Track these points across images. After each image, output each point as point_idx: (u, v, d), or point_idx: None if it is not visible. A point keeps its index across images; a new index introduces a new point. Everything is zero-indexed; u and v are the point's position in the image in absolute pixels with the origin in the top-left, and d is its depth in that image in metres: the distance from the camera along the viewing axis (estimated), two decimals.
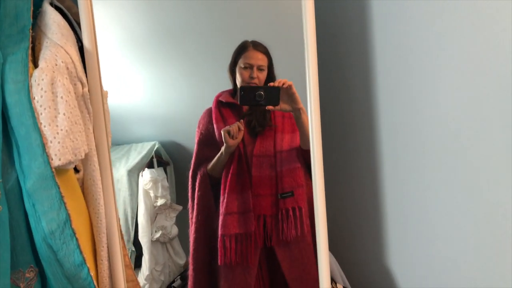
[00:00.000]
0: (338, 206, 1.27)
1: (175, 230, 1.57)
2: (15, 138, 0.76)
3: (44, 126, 0.76)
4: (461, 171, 0.84)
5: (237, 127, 1.20)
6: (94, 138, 0.90)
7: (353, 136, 1.36)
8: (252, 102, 1.14)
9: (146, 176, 1.38)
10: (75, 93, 0.83)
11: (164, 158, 1.47)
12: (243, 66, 1.22)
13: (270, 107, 1.15)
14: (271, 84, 1.15)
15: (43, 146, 0.75)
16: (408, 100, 1.03)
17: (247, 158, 1.23)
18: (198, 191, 1.26)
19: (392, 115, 1.12)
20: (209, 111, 1.28)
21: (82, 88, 0.85)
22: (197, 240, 1.26)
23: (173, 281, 1.41)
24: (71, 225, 0.78)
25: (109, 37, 1.24)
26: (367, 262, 1.35)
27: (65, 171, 0.82)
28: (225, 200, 1.22)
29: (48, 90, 0.77)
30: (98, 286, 0.91)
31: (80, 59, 0.88)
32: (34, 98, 0.76)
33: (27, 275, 0.78)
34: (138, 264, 1.39)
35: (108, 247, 0.94)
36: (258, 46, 1.24)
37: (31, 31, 0.82)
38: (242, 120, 1.21)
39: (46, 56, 0.80)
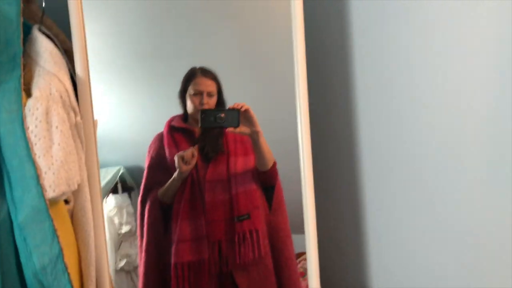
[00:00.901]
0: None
1: None
2: (6, 169, 0.73)
3: (39, 157, 0.73)
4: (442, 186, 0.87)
5: (191, 152, 1.21)
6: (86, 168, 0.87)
7: (333, 144, 1.39)
8: (213, 124, 1.16)
9: (110, 202, 1.34)
10: (68, 122, 0.81)
11: (129, 183, 1.44)
12: (193, 93, 1.24)
13: (230, 129, 1.17)
14: (230, 106, 1.17)
15: (37, 177, 0.72)
16: (386, 102, 1.07)
17: (199, 184, 1.23)
18: (148, 217, 1.24)
19: (372, 127, 1.16)
20: (160, 136, 1.28)
21: (75, 117, 0.83)
22: (148, 270, 1.23)
23: None
24: (63, 259, 0.75)
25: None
26: (347, 283, 1.36)
27: (56, 202, 0.79)
28: (177, 227, 1.21)
29: (43, 120, 0.75)
30: None
31: (72, 88, 0.87)
32: (28, 128, 0.74)
33: None
34: None
35: (96, 281, 0.90)
36: (206, 73, 1.27)
37: (22, 59, 0.80)
38: (196, 146, 1.22)
39: (40, 85, 0.78)
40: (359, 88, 1.20)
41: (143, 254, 1.24)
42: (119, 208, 1.36)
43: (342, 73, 1.26)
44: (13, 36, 0.80)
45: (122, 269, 1.35)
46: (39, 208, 0.72)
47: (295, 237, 1.29)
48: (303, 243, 1.35)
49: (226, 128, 1.17)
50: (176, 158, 1.20)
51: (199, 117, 1.16)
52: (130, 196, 1.49)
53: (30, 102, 0.76)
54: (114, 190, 1.35)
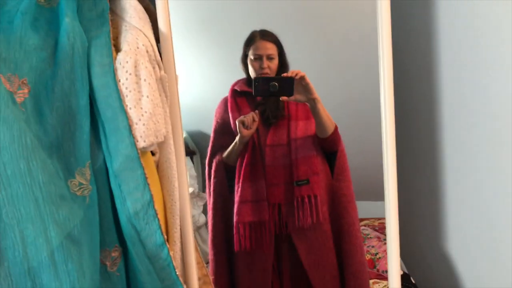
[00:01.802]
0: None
1: (202, 219, 1.60)
2: (101, 120, 0.77)
3: (130, 108, 0.77)
4: None
5: (251, 117, 1.21)
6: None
7: (416, 124, 1.34)
8: (266, 93, 1.15)
9: None
10: (154, 76, 0.84)
11: (191, 148, 1.48)
12: (253, 58, 1.23)
13: (284, 98, 1.15)
14: (285, 74, 1.14)
15: (129, 128, 0.76)
16: (472, 94, 1.01)
17: (260, 148, 1.23)
18: (214, 178, 1.29)
19: (456, 106, 1.09)
20: (225, 101, 1.29)
21: (160, 71, 0.86)
22: (214, 226, 1.30)
23: None
24: (153, 206, 0.79)
25: None
26: (425, 247, 1.34)
27: (145, 153, 0.83)
28: (239, 188, 1.24)
29: (132, 72, 0.78)
30: None
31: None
32: (120, 81, 0.77)
33: (113, 254, 0.80)
34: None
35: (180, 229, 0.95)
36: (266, 36, 1.24)
37: (109, 14, 0.83)
38: (257, 111, 1.21)
39: (128, 39, 0.81)
40: (444, 84, 1.14)
41: (211, 211, 1.30)
42: None
43: (427, 69, 1.20)
44: None
45: None
46: (132, 157, 0.76)
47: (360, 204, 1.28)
48: (363, 210, 1.35)
49: (280, 96, 1.14)
50: (237, 123, 1.22)
51: (252, 85, 1.15)
52: (192, 160, 1.54)
53: (120, 56, 0.79)
54: None
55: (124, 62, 0.78)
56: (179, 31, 1.27)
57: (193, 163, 1.56)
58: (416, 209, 1.40)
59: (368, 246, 1.49)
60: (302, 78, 1.14)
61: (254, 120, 1.22)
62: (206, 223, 1.59)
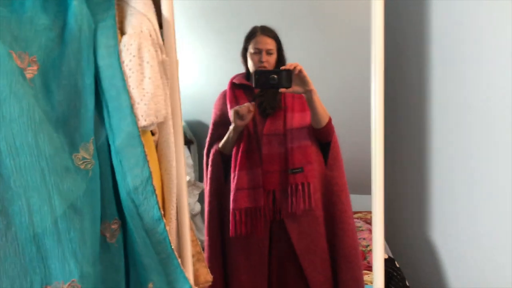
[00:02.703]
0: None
1: (198, 207, 1.64)
2: (105, 99, 0.82)
3: (133, 89, 0.81)
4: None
5: (246, 108, 1.25)
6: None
7: (405, 120, 1.38)
8: (266, 85, 1.19)
9: None
10: (156, 59, 0.88)
11: (189, 137, 1.51)
12: (253, 51, 1.27)
13: (283, 90, 1.19)
14: (283, 67, 1.19)
15: (131, 107, 0.81)
16: (461, 91, 1.05)
17: (257, 137, 1.28)
18: (211, 166, 1.33)
19: (444, 89, 1.14)
20: (224, 93, 1.34)
21: (162, 55, 0.90)
22: (210, 213, 1.35)
23: None
24: (152, 182, 0.84)
25: None
26: (410, 234, 1.39)
27: (146, 132, 0.88)
28: (235, 176, 1.28)
29: (136, 55, 0.82)
30: None
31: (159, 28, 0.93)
32: (124, 62, 0.82)
33: (112, 226, 0.85)
34: None
35: (177, 207, 1.00)
36: (266, 31, 1.29)
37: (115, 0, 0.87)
38: (253, 103, 1.26)
39: (132, 23, 0.85)
40: (435, 76, 1.18)
41: (207, 199, 1.35)
42: None
43: (419, 69, 1.24)
44: None
45: None
46: (133, 134, 0.81)
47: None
48: (356, 203, 1.40)
49: (279, 88, 1.19)
50: (232, 112, 1.26)
51: (253, 78, 1.20)
52: (189, 149, 1.58)
53: (125, 39, 0.83)
54: None
55: (128, 45, 0.82)
56: (182, 21, 1.31)
57: (190, 152, 1.59)
58: (403, 199, 1.45)
59: (359, 239, 1.53)
60: (300, 71, 1.19)
61: (249, 111, 1.26)
62: (201, 212, 1.63)
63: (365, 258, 1.47)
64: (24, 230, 0.71)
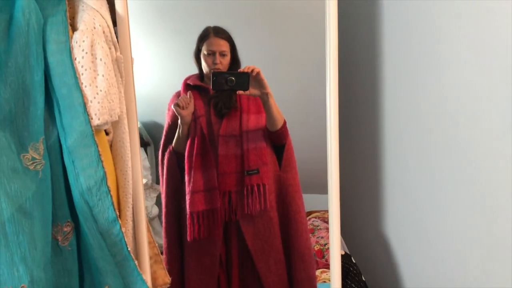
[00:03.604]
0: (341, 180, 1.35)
1: (155, 210, 1.61)
2: (55, 97, 0.78)
3: (85, 86, 0.79)
4: (461, 142, 0.91)
5: (185, 98, 1.27)
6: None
7: (359, 120, 1.42)
8: (223, 86, 1.21)
9: None
10: (110, 56, 0.86)
11: (145, 139, 1.49)
12: (206, 53, 1.28)
13: (240, 92, 1.21)
14: (241, 70, 1.21)
15: (84, 105, 0.78)
16: (411, 92, 1.10)
17: (212, 137, 1.29)
18: (166, 167, 1.32)
19: (396, 89, 1.18)
20: (178, 94, 1.33)
21: (116, 52, 0.88)
22: (167, 214, 1.34)
23: None
24: (106, 183, 0.82)
25: None
26: (365, 229, 1.43)
27: (99, 131, 0.85)
28: (191, 179, 1.28)
29: (88, 51, 0.80)
30: None
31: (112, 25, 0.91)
32: (76, 59, 0.79)
33: (65, 229, 0.82)
34: None
35: (133, 208, 0.97)
36: (219, 33, 1.30)
37: None
38: (190, 92, 1.27)
39: (84, 19, 0.82)
40: (387, 78, 1.22)
41: (164, 200, 1.34)
42: None
43: (371, 68, 1.27)
44: None
45: None
46: (86, 133, 0.78)
47: (307, 196, 1.36)
48: (314, 202, 1.42)
49: (237, 91, 1.21)
50: (173, 107, 1.26)
51: (210, 80, 1.21)
52: (146, 151, 1.55)
53: (77, 35, 0.80)
54: None
55: (80, 41, 0.79)
56: (135, 18, 1.28)
57: (147, 154, 1.56)
58: (358, 197, 1.49)
59: (317, 237, 1.55)
60: (258, 73, 1.21)
61: (189, 99, 1.27)
62: (159, 215, 1.60)
63: (323, 256, 1.50)
64: None
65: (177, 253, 1.33)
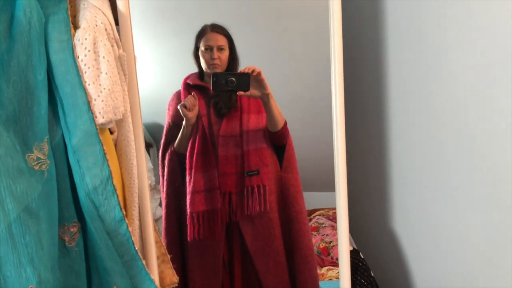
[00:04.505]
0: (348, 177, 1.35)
1: (159, 211, 1.60)
2: (59, 96, 0.78)
3: (89, 85, 0.78)
4: (471, 136, 0.90)
5: (191, 98, 1.25)
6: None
7: (365, 117, 1.41)
8: (224, 87, 1.20)
9: None
10: (113, 53, 0.85)
11: (147, 140, 1.48)
12: (203, 49, 1.27)
13: (240, 93, 1.20)
14: (241, 70, 1.20)
15: (88, 103, 0.77)
16: (417, 91, 1.09)
17: (213, 138, 1.28)
18: (167, 167, 1.32)
19: (402, 86, 1.17)
20: (178, 94, 1.32)
21: (118, 50, 0.87)
22: (167, 215, 1.33)
23: None
24: (112, 182, 0.81)
25: None
26: (373, 225, 1.42)
27: (104, 130, 0.84)
28: (192, 179, 1.27)
29: (91, 49, 0.79)
30: None
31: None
32: (78, 57, 0.78)
33: (71, 229, 0.81)
34: None
35: (139, 207, 0.97)
36: (216, 28, 1.29)
37: None
38: (194, 93, 1.26)
39: (86, 17, 0.81)
40: (392, 74, 1.21)
41: (164, 201, 1.33)
42: None
43: (376, 66, 1.26)
44: None
45: None
46: (91, 132, 0.77)
47: (311, 194, 1.35)
48: (318, 200, 1.41)
49: (237, 91, 1.20)
50: (179, 108, 1.25)
51: (210, 80, 1.20)
52: (148, 153, 1.54)
53: (79, 33, 0.79)
54: None
55: (82, 39, 0.79)
56: (136, 19, 1.27)
57: (149, 155, 1.56)
58: (365, 193, 1.48)
59: (322, 235, 1.54)
60: (258, 74, 1.19)
61: (194, 100, 1.25)
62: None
63: (328, 254, 1.49)
64: None
65: (177, 253, 1.32)
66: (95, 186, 0.79)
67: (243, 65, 1.25)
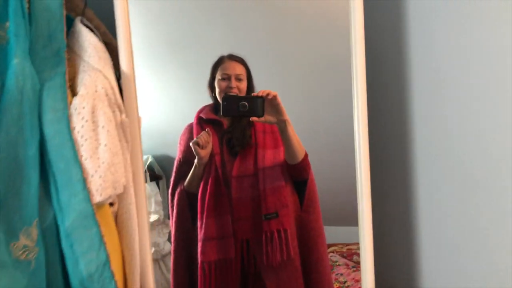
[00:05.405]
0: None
1: (168, 247, 1.52)
2: (52, 172, 0.69)
3: (85, 159, 0.69)
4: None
5: (205, 136, 1.16)
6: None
7: (388, 147, 1.32)
8: (235, 112, 1.09)
9: None
10: (114, 121, 0.77)
11: (157, 172, 1.43)
12: (220, 78, 1.18)
13: (254, 119, 1.10)
14: (255, 94, 1.10)
15: (84, 181, 0.69)
16: (442, 103, 1.01)
17: (226, 178, 1.18)
18: (176, 207, 1.21)
19: (428, 132, 1.09)
20: (190, 128, 1.23)
21: (120, 115, 0.79)
22: (176, 260, 1.21)
23: None
24: (110, 267, 0.72)
25: None
26: (399, 283, 1.30)
27: (102, 206, 0.75)
28: (203, 225, 1.16)
29: (89, 119, 0.71)
30: None
31: (117, 84, 0.82)
32: (74, 128, 0.70)
33: None
34: None
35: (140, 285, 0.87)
36: (234, 57, 1.21)
37: (66, 54, 0.76)
38: (208, 129, 1.16)
39: (85, 81, 0.74)
40: (415, 87, 1.14)
41: (173, 245, 1.23)
42: (148, 197, 1.34)
43: (398, 72, 1.19)
44: (57, 29, 0.76)
45: None
46: (86, 213, 0.68)
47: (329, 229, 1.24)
48: (330, 236, 1.30)
49: (250, 117, 1.09)
50: (191, 145, 1.16)
51: (221, 105, 1.10)
52: (158, 185, 1.48)
53: (76, 101, 0.71)
54: None
55: (80, 108, 0.71)
56: (146, 51, 1.21)
57: (159, 188, 1.51)
58: (389, 236, 1.37)
59: (336, 274, 1.44)
60: (274, 97, 1.10)
61: (208, 137, 1.16)
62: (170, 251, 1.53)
63: None
64: None
65: None
66: (91, 273, 0.70)
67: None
